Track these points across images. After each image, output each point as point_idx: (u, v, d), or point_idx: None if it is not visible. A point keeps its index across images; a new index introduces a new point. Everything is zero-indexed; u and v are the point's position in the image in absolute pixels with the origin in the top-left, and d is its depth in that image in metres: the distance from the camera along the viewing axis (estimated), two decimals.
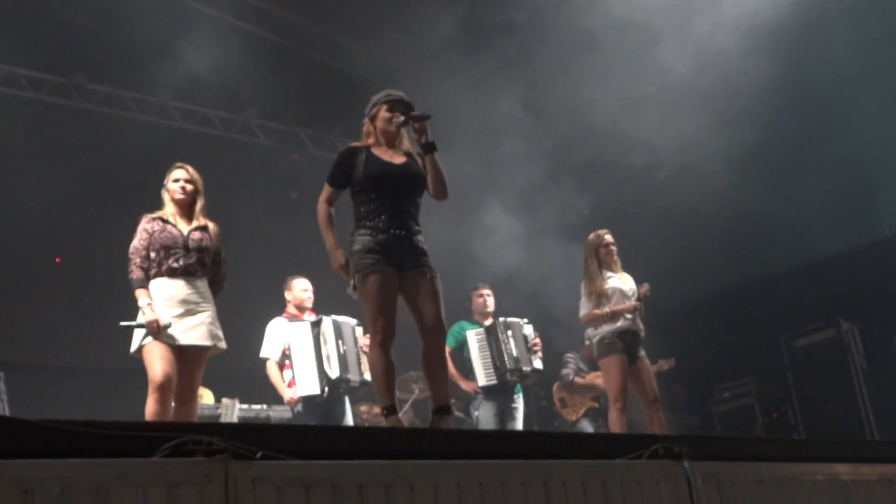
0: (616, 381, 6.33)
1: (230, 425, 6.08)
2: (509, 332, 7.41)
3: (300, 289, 7.12)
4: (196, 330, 4.88)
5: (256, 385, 7.38)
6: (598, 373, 7.31)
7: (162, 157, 5.78)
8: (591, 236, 6.69)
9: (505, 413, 7.35)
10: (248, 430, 2.83)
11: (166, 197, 5.14)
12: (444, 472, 2.98)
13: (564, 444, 3.93)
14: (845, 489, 4.11)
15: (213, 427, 2.70)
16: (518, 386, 7.49)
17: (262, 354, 6.92)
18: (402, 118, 4.71)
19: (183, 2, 9.63)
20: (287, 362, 6.85)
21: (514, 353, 7.33)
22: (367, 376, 6.56)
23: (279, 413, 7.49)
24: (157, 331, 4.73)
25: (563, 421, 8.58)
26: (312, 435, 3.19)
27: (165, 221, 5.01)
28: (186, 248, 4.96)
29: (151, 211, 5.09)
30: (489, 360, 7.37)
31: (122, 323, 4.87)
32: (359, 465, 2.80)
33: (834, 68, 9.57)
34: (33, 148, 9.40)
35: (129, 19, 9.20)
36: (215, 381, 7.50)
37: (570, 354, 8.51)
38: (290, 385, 6.80)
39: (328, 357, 6.68)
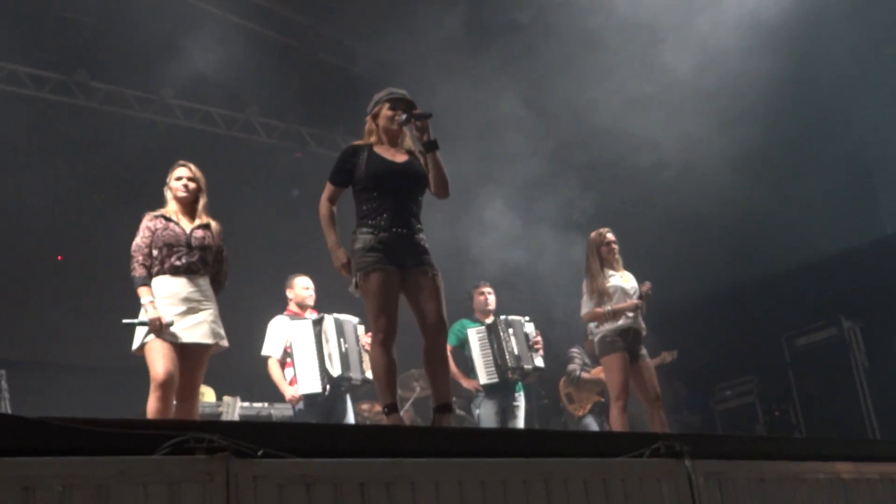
0: (617, 380, 6.33)
1: (231, 423, 6.10)
2: (510, 331, 7.41)
3: (302, 287, 7.12)
4: (198, 328, 4.88)
5: (258, 383, 7.38)
6: None
7: (164, 155, 5.78)
8: (593, 234, 6.70)
9: (506, 411, 7.35)
10: (250, 428, 2.82)
11: (169, 195, 5.13)
12: (445, 470, 2.98)
13: (566, 442, 3.93)
14: (846, 488, 4.11)
15: (215, 425, 2.70)
16: (519, 384, 7.49)
17: (264, 352, 6.92)
18: (404, 116, 4.70)
19: (185, 0, 9.64)
20: (288, 360, 6.86)
21: (516, 351, 7.33)
22: (369, 374, 6.56)
23: (280, 411, 7.50)
24: (159, 329, 4.73)
25: (569, 416, 8.56)
26: (314, 433, 3.19)
27: (168, 219, 5.01)
28: (189, 245, 4.96)
29: (154, 209, 5.08)
30: (490, 358, 7.37)
31: (125, 321, 4.86)
32: (360, 464, 2.80)
33: (835, 67, 9.57)
34: (35, 146, 9.41)
35: (131, 17, 9.20)
36: (217, 379, 7.51)
37: (574, 349, 8.50)
38: (291, 383, 6.80)
39: (330, 355, 6.68)
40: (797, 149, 9.67)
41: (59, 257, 9.74)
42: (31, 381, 8.24)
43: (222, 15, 9.92)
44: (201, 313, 4.91)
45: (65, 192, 9.16)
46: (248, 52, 9.67)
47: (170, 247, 4.91)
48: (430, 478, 2.90)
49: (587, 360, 8.40)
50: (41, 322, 8.98)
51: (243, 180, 10.34)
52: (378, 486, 2.77)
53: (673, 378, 9.35)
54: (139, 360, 4.83)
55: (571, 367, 8.44)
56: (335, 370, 6.64)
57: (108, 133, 9.77)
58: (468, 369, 7.46)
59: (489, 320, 7.54)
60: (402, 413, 5.40)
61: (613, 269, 6.62)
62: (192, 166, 5.17)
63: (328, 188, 4.74)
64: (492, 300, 7.68)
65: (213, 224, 5.13)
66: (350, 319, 6.91)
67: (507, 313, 7.58)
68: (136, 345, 4.83)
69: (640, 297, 6.54)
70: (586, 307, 6.57)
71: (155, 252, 4.91)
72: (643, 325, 6.54)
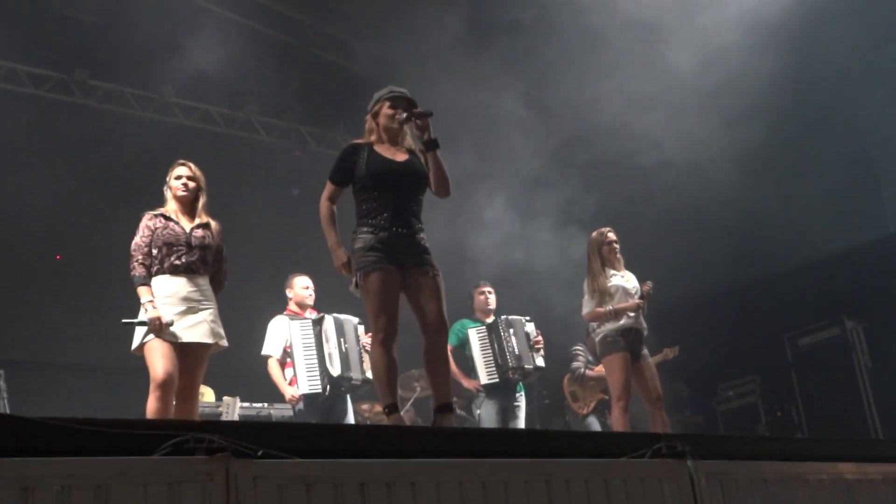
0: (619, 380, 6.31)
1: (231, 423, 6.09)
2: (511, 330, 7.40)
3: (301, 286, 7.11)
4: (198, 328, 4.87)
5: (258, 383, 7.37)
6: None
7: (163, 154, 5.77)
8: (595, 234, 6.68)
9: (507, 411, 7.33)
10: (250, 429, 2.81)
11: (168, 194, 5.12)
12: (446, 470, 2.97)
13: (567, 442, 3.92)
14: (849, 488, 4.10)
15: (215, 425, 2.70)
16: (520, 384, 7.47)
17: (264, 352, 6.90)
18: (404, 115, 4.69)
19: None
20: (288, 360, 6.84)
21: (516, 350, 7.32)
22: (369, 374, 6.55)
23: (280, 411, 7.49)
24: (159, 328, 4.72)
25: (573, 415, 8.53)
26: (314, 433, 3.18)
27: (168, 218, 5.00)
28: (189, 245, 4.94)
29: (153, 208, 5.07)
30: (491, 357, 7.35)
31: (125, 320, 4.85)
32: (360, 464, 2.79)
33: (836, 66, 9.55)
34: (34, 145, 9.40)
35: (130, 15, 9.20)
36: (216, 379, 7.50)
37: (578, 347, 8.46)
38: (291, 383, 6.79)
39: (330, 355, 6.67)
40: (799, 148, 9.66)
41: (59, 256, 9.73)
42: (31, 380, 8.23)
43: (222, 13, 9.92)
44: (201, 313, 4.90)
45: (64, 190, 9.15)
46: (247, 51, 9.66)
47: (169, 246, 4.90)
48: (431, 478, 2.89)
49: (590, 357, 8.37)
50: (41, 322, 8.97)
51: (243, 179, 10.34)
52: (378, 486, 2.76)
53: (675, 378, 9.33)
54: (139, 360, 4.81)
55: (576, 364, 8.41)
56: (335, 370, 6.62)
57: (108, 132, 9.77)
58: (469, 369, 7.44)
59: (490, 320, 7.53)
60: (402, 413, 5.38)
61: (615, 268, 6.60)
62: (192, 165, 5.16)
63: (328, 187, 4.73)
64: (492, 300, 7.66)
65: (213, 223, 5.12)
66: (350, 319, 6.90)
67: (508, 313, 7.57)
68: (135, 344, 4.82)
69: (642, 297, 6.52)
70: (587, 307, 6.56)
71: (155, 251, 4.90)
72: (645, 324, 6.52)
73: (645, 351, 6.48)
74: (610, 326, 6.40)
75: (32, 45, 9.49)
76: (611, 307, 6.40)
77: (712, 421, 10.57)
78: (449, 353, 4.86)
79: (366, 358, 6.72)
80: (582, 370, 8.37)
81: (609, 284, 6.47)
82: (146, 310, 4.78)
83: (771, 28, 8.61)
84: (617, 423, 6.32)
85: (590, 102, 8.83)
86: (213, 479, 2.46)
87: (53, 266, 9.61)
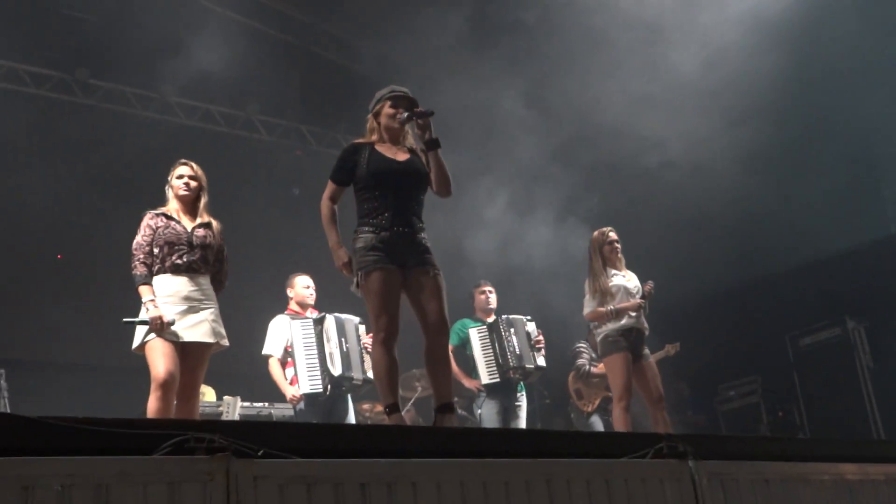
0: (620, 380, 6.30)
1: (232, 423, 6.09)
2: (512, 330, 7.39)
3: (302, 286, 7.10)
4: (199, 327, 4.87)
5: (258, 383, 7.37)
6: None
7: (164, 154, 5.77)
8: (596, 234, 6.67)
9: (508, 411, 7.33)
10: (250, 428, 2.81)
11: (170, 193, 5.12)
12: (447, 470, 2.97)
13: (568, 442, 3.91)
14: (851, 489, 4.10)
15: (215, 425, 2.69)
16: (521, 384, 7.46)
17: (265, 352, 6.90)
18: (405, 114, 4.68)
19: None
20: (289, 360, 6.84)
21: (517, 350, 7.31)
22: (370, 374, 6.55)
23: (281, 411, 7.48)
24: (160, 327, 4.71)
25: (578, 413, 8.51)
26: (314, 433, 3.17)
27: (169, 218, 5.00)
28: (190, 244, 4.94)
29: (154, 207, 5.07)
30: (492, 357, 7.35)
31: (126, 320, 4.84)
32: (361, 464, 2.79)
33: (837, 65, 9.53)
34: (35, 144, 9.40)
35: (131, 15, 9.20)
36: (217, 379, 7.48)
37: (581, 344, 8.44)
38: (292, 383, 6.78)
39: (331, 355, 6.66)
40: (800, 147, 9.64)
41: (59, 256, 9.73)
42: (31, 380, 8.22)
43: (223, 12, 9.92)
44: (202, 312, 4.90)
45: (65, 190, 9.14)
46: (248, 50, 9.65)
47: (171, 245, 4.90)
48: (432, 478, 2.89)
49: (593, 354, 8.34)
50: (41, 321, 8.96)
51: (244, 179, 10.33)
52: (379, 486, 2.76)
53: (676, 378, 9.32)
54: (139, 360, 4.81)
55: (580, 361, 8.38)
56: (336, 370, 6.62)
57: (109, 131, 9.76)
58: (470, 369, 7.44)
59: (491, 319, 7.52)
60: (403, 413, 5.38)
61: (616, 268, 6.59)
62: (194, 165, 5.16)
63: (329, 187, 4.72)
64: (493, 299, 7.66)
65: (215, 223, 5.12)
66: (351, 319, 6.89)
67: (509, 312, 7.56)
68: (136, 343, 4.81)
69: (643, 297, 6.51)
70: (589, 307, 6.55)
71: (156, 250, 4.89)
72: (646, 324, 6.51)
73: (646, 351, 6.47)
74: (611, 326, 6.39)
75: (33, 44, 9.49)
76: (612, 307, 6.39)
77: (714, 421, 10.56)
78: (450, 352, 4.85)
79: (367, 358, 6.71)
80: (587, 367, 8.35)
81: (610, 284, 6.45)
82: (147, 309, 4.77)
83: (772, 28, 8.60)
84: (618, 423, 6.30)
85: (591, 102, 8.83)
86: (213, 478, 2.46)
87: (54, 266, 9.61)
